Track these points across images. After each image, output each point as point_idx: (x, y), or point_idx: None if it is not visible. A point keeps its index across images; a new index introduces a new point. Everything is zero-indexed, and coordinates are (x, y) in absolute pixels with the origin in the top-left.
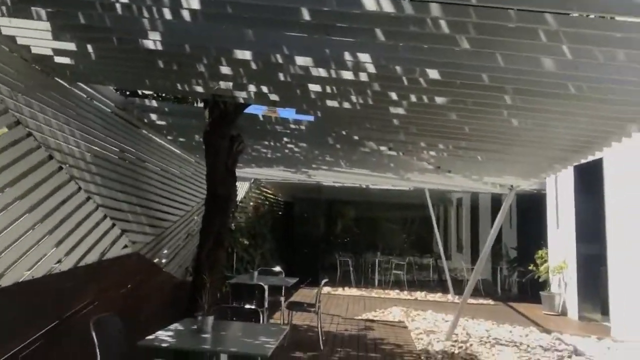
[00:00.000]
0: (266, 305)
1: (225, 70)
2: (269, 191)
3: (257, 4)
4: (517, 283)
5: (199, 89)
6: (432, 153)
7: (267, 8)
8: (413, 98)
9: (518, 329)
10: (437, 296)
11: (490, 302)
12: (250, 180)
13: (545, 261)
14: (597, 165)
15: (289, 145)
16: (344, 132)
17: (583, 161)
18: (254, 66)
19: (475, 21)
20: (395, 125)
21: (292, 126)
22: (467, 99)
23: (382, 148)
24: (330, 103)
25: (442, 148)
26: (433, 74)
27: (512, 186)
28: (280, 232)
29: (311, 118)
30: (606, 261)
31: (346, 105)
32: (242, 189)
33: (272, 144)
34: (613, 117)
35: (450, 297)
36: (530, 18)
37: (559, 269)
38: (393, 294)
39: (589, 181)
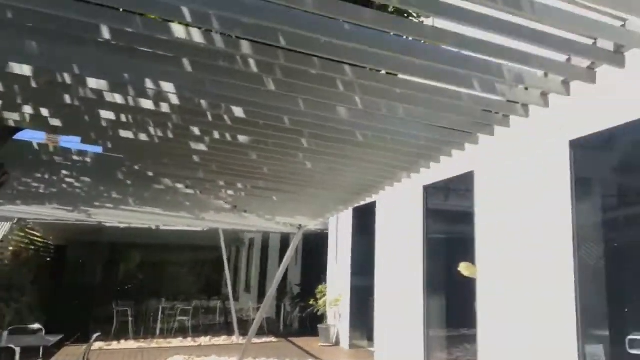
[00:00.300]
0: None
1: None
2: (36, 234)
3: (46, 13)
4: (298, 318)
5: None
6: (230, 192)
7: (59, 19)
8: (216, 135)
9: None
10: (222, 339)
11: (273, 339)
12: (12, 220)
13: (324, 295)
14: (370, 208)
15: (69, 180)
16: (137, 167)
17: (362, 203)
18: (33, 84)
19: (283, 64)
20: (195, 162)
21: (75, 157)
22: (268, 140)
23: (179, 186)
24: (124, 133)
25: (240, 187)
26: (238, 111)
27: (300, 225)
28: (47, 281)
29: (99, 149)
30: (373, 293)
31: (143, 137)
32: None
33: (46, 177)
34: (389, 164)
35: (235, 338)
36: (332, 67)
37: (336, 302)
38: (176, 342)
39: (364, 221)
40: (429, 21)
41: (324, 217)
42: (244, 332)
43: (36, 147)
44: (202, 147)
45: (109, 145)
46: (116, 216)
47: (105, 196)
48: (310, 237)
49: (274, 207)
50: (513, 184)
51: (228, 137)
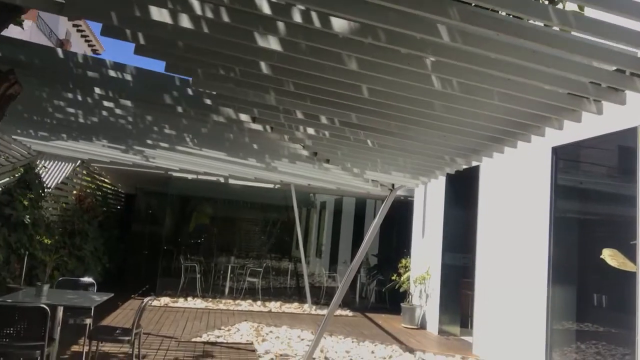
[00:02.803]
0: (56, 336)
1: None
2: (105, 179)
3: None
4: (375, 292)
5: None
6: (310, 131)
7: None
8: (297, 17)
9: (380, 347)
10: (294, 307)
11: (349, 313)
12: (73, 161)
13: (408, 270)
14: (469, 175)
15: (107, 103)
16: (189, 91)
17: (475, 164)
18: None
19: None
20: (262, 76)
21: (111, 72)
22: (378, 45)
23: (244, 117)
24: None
25: (325, 123)
26: None
27: (393, 186)
28: (115, 229)
29: (140, 62)
30: (473, 274)
31: (185, 22)
32: (58, 170)
33: (79, 97)
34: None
35: (307, 307)
36: None
37: (422, 280)
38: (245, 304)
39: (460, 190)
40: None
41: (428, 177)
42: (315, 299)
43: (60, 54)
44: (274, 44)
45: (142, 42)
46: (176, 160)
47: (156, 130)
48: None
49: (365, 158)
50: None
51: (318, 22)
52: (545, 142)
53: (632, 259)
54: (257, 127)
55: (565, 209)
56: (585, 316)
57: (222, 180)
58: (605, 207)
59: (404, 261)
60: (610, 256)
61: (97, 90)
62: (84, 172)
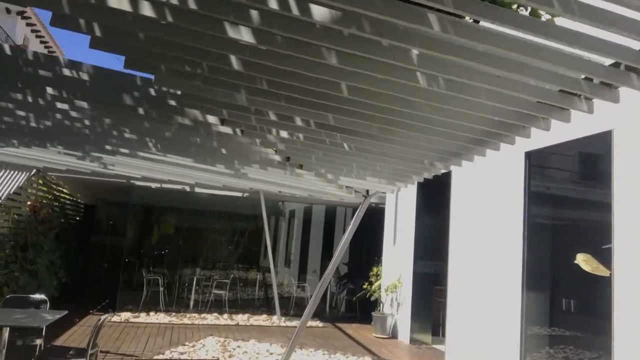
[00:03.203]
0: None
1: None
2: (63, 190)
3: None
4: (346, 302)
5: None
6: (284, 134)
7: None
8: (273, 4)
9: (352, 359)
10: (262, 319)
11: (319, 323)
12: (29, 170)
13: (380, 278)
14: (440, 182)
15: (61, 105)
16: (152, 91)
17: (452, 168)
18: None
19: None
20: (233, 72)
21: (65, 71)
22: (361, 37)
23: (211, 119)
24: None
25: (300, 125)
26: None
27: (368, 192)
28: (72, 242)
29: (96, 58)
30: (445, 281)
31: (147, 10)
32: (9, 180)
33: (29, 99)
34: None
35: (276, 319)
36: None
37: (393, 288)
38: (211, 318)
39: (432, 197)
40: None
41: (405, 182)
42: (285, 311)
43: (7, 51)
44: (246, 36)
45: (98, 34)
46: (137, 167)
47: (115, 135)
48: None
49: (340, 163)
50: None
51: (294, 12)
52: (519, 146)
53: (606, 263)
54: (227, 130)
55: (539, 214)
56: (560, 321)
57: (187, 189)
58: (579, 212)
59: (375, 269)
60: (584, 261)
61: (49, 90)
62: (40, 181)
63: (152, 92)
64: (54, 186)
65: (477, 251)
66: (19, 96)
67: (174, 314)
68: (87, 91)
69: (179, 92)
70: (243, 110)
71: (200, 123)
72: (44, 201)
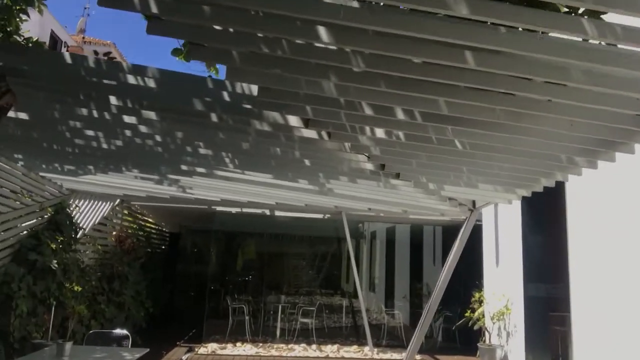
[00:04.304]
0: None
1: None
2: (148, 219)
3: None
4: (443, 330)
5: None
6: (380, 133)
7: None
8: None
9: None
10: (353, 350)
11: (417, 356)
12: (113, 200)
13: (482, 305)
14: (551, 194)
15: (127, 119)
16: (225, 95)
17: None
18: None
19: None
20: (320, 51)
21: (130, 78)
22: None
23: (293, 121)
24: None
25: (401, 119)
26: None
27: (474, 205)
28: (158, 272)
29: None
30: (565, 307)
31: None
32: (94, 210)
33: (94, 113)
34: None
35: (367, 350)
36: None
37: (500, 315)
38: (298, 349)
39: (540, 212)
40: None
41: (528, 189)
42: (375, 340)
43: (68, 59)
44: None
45: (155, 10)
46: (216, 189)
47: (190, 151)
48: (450, 229)
49: (447, 168)
50: None
51: None
52: None
53: None
54: (311, 133)
55: None
56: None
57: (267, 212)
58: None
59: (477, 294)
60: None
61: (113, 101)
62: (125, 211)
63: (226, 95)
64: (139, 215)
65: (610, 269)
66: (84, 111)
67: (260, 344)
68: (154, 98)
69: (254, 94)
70: (331, 104)
71: (281, 127)
72: (129, 231)
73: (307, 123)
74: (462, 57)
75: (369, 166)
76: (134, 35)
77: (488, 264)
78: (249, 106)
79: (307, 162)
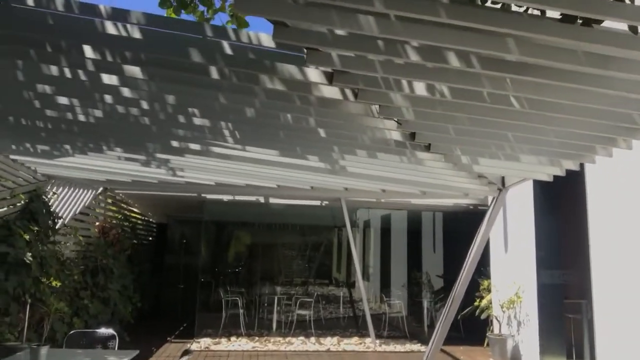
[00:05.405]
0: None
1: None
2: (132, 208)
3: None
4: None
5: None
6: (420, 88)
7: None
8: None
9: None
10: (354, 342)
11: (420, 347)
12: (95, 188)
13: (489, 293)
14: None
15: (106, 78)
16: (226, 47)
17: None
18: None
19: None
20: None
21: (110, 26)
22: None
23: (314, 76)
24: None
25: (453, 68)
26: None
27: (503, 183)
28: (145, 264)
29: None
30: (580, 294)
31: None
32: (75, 198)
33: (66, 73)
34: None
35: (369, 342)
36: None
37: (510, 304)
38: (297, 342)
39: (555, 196)
40: None
41: (579, 160)
42: (377, 332)
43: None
44: None
45: None
46: (211, 171)
47: (183, 122)
48: (451, 215)
49: (490, 136)
50: None
51: None
52: None
53: None
54: (333, 92)
55: None
56: None
57: (261, 199)
58: None
59: (485, 282)
60: None
61: (89, 53)
62: (109, 200)
63: (227, 48)
64: (124, 205)
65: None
66: (54, 70)
67: (256, 338)
68: (139, 50)
69: (264, 43)
70: (367, 47)
71: (298, 85)
72: (114, 221)
73: (330, 78)
74: None
75: (396, 135)
76: None
77: (496, 250)
78: (252, 56)
79: (322, 132)
